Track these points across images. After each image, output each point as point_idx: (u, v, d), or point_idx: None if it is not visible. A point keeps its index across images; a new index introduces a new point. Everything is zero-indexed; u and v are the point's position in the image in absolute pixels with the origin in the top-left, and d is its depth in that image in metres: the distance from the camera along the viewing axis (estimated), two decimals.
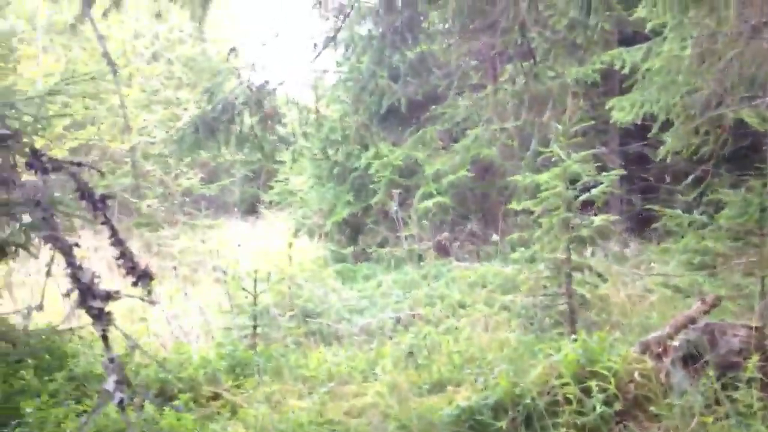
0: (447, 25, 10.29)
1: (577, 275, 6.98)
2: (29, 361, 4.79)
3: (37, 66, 13.89)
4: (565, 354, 4.51)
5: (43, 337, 5.05)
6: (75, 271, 1.93)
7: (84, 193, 2.03)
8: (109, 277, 6.14)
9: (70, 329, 5.27)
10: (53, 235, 1.93)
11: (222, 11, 21.12)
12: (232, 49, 7.78)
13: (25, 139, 4.31)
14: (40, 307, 3.64)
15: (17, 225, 4.66)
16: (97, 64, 14.86)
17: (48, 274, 2.50)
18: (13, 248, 4.83)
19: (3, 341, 4.76)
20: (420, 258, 10.98)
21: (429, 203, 11.70)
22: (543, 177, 7.24)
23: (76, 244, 2.05)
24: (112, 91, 14.69)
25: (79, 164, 2.09)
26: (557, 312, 7.05)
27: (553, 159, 7.27)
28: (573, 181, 7.15)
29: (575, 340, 4.82)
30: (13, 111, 4.41)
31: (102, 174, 2.27)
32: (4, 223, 4.56)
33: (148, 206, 15.27)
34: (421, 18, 8.30)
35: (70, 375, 4.89)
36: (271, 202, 18.47)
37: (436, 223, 12.01)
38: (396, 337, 7.14)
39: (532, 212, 7.87)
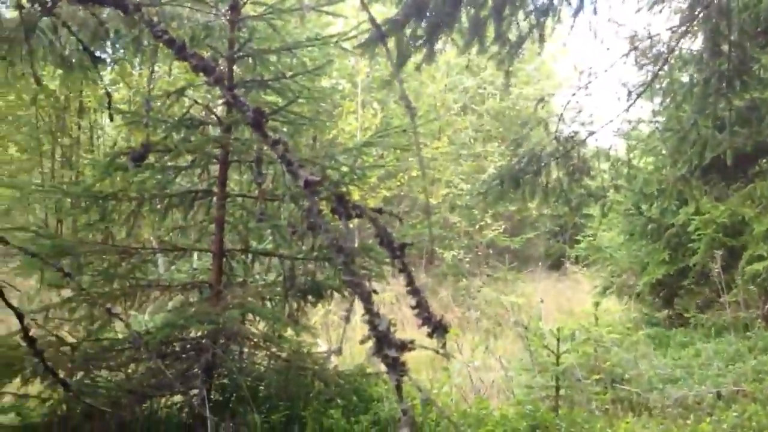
0: None
1: None
2: (338, 401, 4.99)
3: (356, 120, 15.11)
4: None
5: (352, 378, 5.25)
6: (372, 318, 1.83)
7: (383, 239, 1.95)
8: (413, 326, 6.29)
9: (377, 373, 5.44)
10: (353, 281, 1.85)
11: (534, 65, 21.28)
12: (540, 100, 7.69)
13: (342, 188, 4.59)
14: (339, 351, 3.76)
15: (333, 269, 4.98)
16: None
17: (347, 320, 2.52)
18: (329, 291, 5.16)
19: (317, 380, 5.03)
20: (746, 327, 9.77)
21: (759, 266, 10.34)
22: None
23: (375, 291, 1.97)
24: (423, 144, 15.45)
25: (380, 211, 2.02)
26: None
27: None
28: None
29: None
30: (333, 162, 4.74)
31: (401, 221, 2.27)
32: (322, 267, 4.90)
33: (454, 257, 15.67)
34: (752, 62, 7.48)
35: (374, 419, 5.00)
36: (577, 258, 17.91)
37: (767, 289, 10.61)
38: (716, 414, 6.35)
39: None
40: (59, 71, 4.70)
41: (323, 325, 9.27)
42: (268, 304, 5.19)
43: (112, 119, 3.75)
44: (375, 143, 5.37)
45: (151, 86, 13.27)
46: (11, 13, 3.87)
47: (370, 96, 16.45)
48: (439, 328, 2.04)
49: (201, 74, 1.68)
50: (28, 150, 15.74)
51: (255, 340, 5.09)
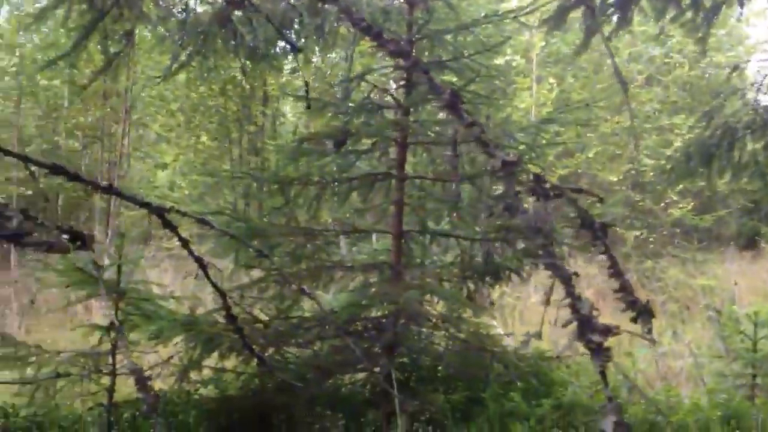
0: None
1: None
2: (518, 384, 4.92)
3: (531, 97, 14.74)
4: None
5: (532, 362, 5.15)
6: (574, 302, 1.76)
7: (584, 220, 1.86)
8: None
9: (557, 357, 5.31)
10: (554, 263, 1.79)
11: (726, 30, 19.68)
12: (735, 68, 7.09)
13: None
14: (539, 335, 3.69)
15: (512, 251, 4.88)
16: (589, 93, 15.15)
17: (547, 302, 2.45)
18: (507, 272, 5.07)
19: (497, 362, 4.98)
20: None
21: None
22: None
23: (576, 274, 1.89)
24: (602, 119, 14.81)
25: (579, 190, 1.93)
26: None
27: None
28: None
29: None
30: (511, 141, 4.64)
31: (601, 201, 2.17)
32: (502, 248, 4.82)
33: (637, 237, 15.00)
34: None
35: (556, 403, 4.89)
36: None
37: None
38: None
39: None
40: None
41: (498, 307, 9.18)
42: (446, 285, 5.19)
43: (309, 107, 3.88)
44: (555, 119, 5.19)
45: (328, 72, 13.73)
46: (203, 8, 4.11)
47: (546, 71, 15.98)
48: (644, 313, 1.93)
49: (396, 58, 1.67)
50: (218, 138, 16.84)
51: (434, 320, 5.10)
